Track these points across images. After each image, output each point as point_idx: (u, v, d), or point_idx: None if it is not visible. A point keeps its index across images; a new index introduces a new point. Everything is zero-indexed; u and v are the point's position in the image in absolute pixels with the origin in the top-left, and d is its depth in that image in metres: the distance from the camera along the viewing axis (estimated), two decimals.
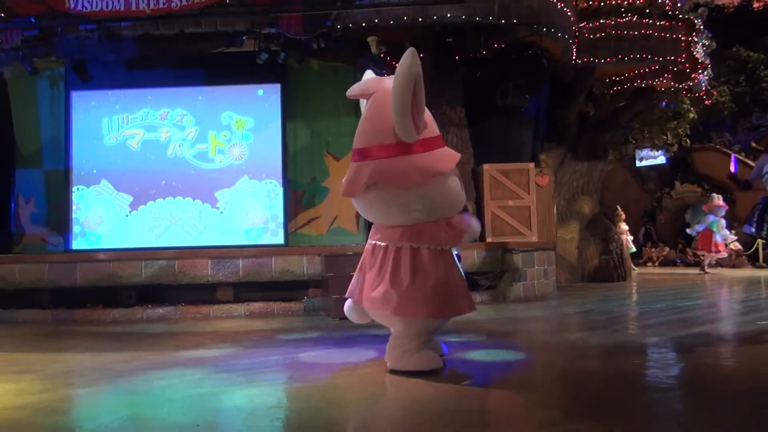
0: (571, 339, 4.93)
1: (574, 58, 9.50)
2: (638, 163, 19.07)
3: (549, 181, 9.61)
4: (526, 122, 9.85)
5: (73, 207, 9.61)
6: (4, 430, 2.60)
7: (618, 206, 14.77)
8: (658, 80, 10.37)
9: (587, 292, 8.81)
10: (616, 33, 9.66)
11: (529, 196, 8.81)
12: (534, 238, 8.64)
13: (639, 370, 3.71)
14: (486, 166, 8.86)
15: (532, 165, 9.15)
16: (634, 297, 8.44)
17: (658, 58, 9.74)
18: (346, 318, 6.05)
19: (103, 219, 9.60)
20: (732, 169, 6.11)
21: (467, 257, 7.52)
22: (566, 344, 4.64)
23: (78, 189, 9.65)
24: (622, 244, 11.28)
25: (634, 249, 15.10)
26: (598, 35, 9.69)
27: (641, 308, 7.06)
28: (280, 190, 9.58)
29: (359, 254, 7.50)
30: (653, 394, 3.05)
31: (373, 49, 8.32)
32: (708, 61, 11.08)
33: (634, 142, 12.63)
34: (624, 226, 14.26)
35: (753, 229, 5.09)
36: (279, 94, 9.73)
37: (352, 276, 6.69)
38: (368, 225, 10.21)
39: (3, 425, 2.67)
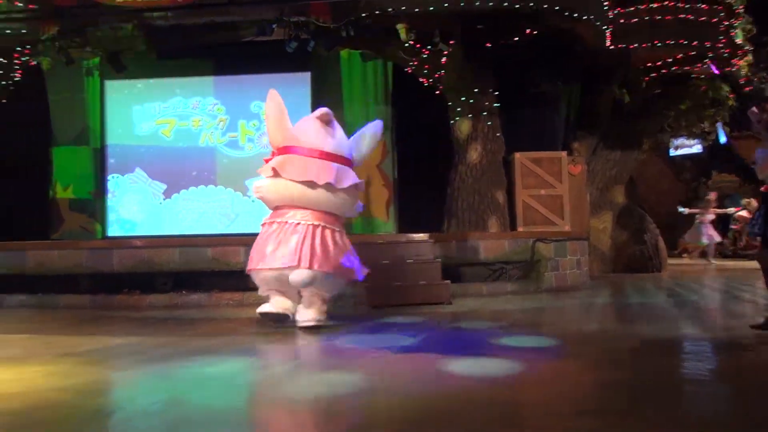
0: (604, 330, 4.87)
1: (608, 44, 9.30)
2: (672, 152, 18.62)
3: (582, 170, 9.47)
4: (558, 110, 9.71)
5: (109, 195, 9.82)
6: (48, 411, 2.68)
7: (711, 193, 13.77)
8: (696, 66, 10.09)
9: (621, 283, 8.69)
10: (651, 18, 9.42)
11: (561, 185, 8.69)
12: (566, 228, 8.53)
13: (674, 361, 3.65)
14: (517, 155, 8.76)
15: (564, 153, 9.02)
16: (669, 288, 8.28)
17: (696, 44, 9.47)
18: (376, 306, 6.09)
19: (138, 206, 9.79)
20: (723, 139, 5.69)
21: (498, 246, 7.49)
22: (599, 335, 4.59)
23: (113, 177, 9.86)
24: (657, 235, 11.06)
25: (717, 240, 13.64)
26: (633, 20, 9.46)
27: (676, 299, 6.94)
28: None
29: (390, 242, 7.53)
30: (688, 387, 3.01)
31: (403, 36, 8.26)
32: (749, 47, 10.74)
33: (669, 130, 12.33)
34: (710, 216, 13.15)
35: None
36: (308, 82, 9.77)
37: (384, 263, 6.74)
38: (399, 214, 10.24)
39: (48, 406, 2.75)
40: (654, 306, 6.36)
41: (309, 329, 4.77)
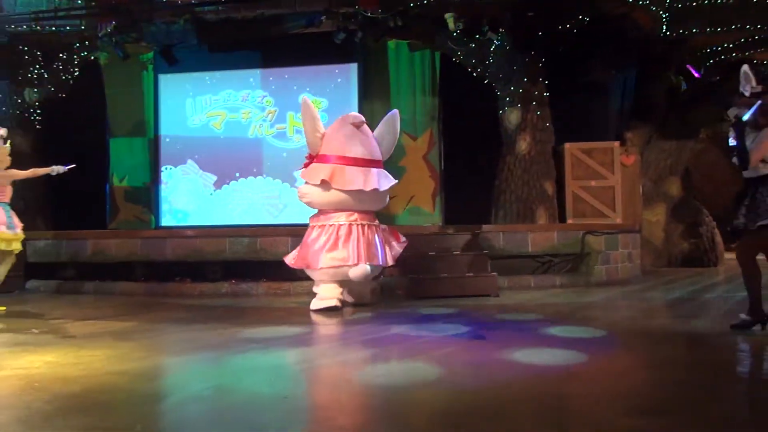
0: (656, 325, 4.73)
1: (664, 29, 8.96)
2: (732, 142, 17.85)
3: (635, 161, 9.19)
4: (611, 99, 9.44)
5: (162, 186, 10.10)
6: (106, 394, 2.79)
7: None
8: (759, 51, 9.61)
9: (674, 277, 8.41)
10: (711, 1, 9.01)
11: (613, 176, 8.47)
12: (618, 220, 8.32)
13: (726, 359, 3.50)
14: (567, 145, 8.57)
15: (617, 144, 8.78)
16: (725, 283, 7.97)
17: (759, 27, 9.01)
18: (422, 297, 6.09)
19: (190, 197, 10.04)
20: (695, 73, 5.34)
21: (547, 239, 7.37)
22: (650, 330, 4.45)
23: (166, 168, 10.13)
24: (713, 228, 10.65)
25: None
26: (691, 4, 9.07)
27: (732, 295, 6.66)
28: None
29: (436, 233, 7.49)
30: (739, 386, 2.90)
31: (451, 26, 8.18)
32: None
33: (728, 118, 11.79)
34: None
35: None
36: (356, 73, 9.78)
37: (430, 255, 6.72)
38: (445, 205, 10.14)
39: (105, 389, 2.86)
40: (709, 301, 6.13)
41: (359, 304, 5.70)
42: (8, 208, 5.90)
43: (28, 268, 7.57)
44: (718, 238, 10.90)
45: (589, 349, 3.71)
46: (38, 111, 9.70)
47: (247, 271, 7.37)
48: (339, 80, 9.91)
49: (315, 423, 2.47)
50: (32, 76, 9.59)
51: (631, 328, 4.62)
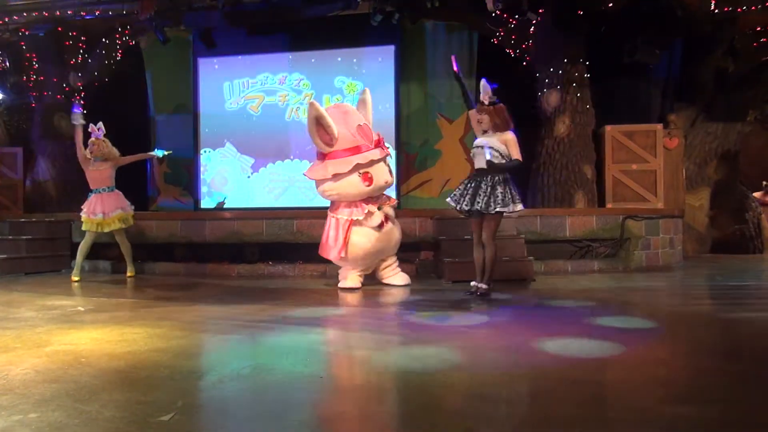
0: (699, 313, 4.62)
1: (712, 7, 8.62)
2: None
3: (678, 144, 8.93)
4: (655, 80, 9.17)
5: (201, 168, 10.27)
6: (149, 370, 2.88)
7: None
8: None
9: (718, 264, 8.19)
10: None
11: (655, 160, 8.25)
12: (659, 205, 8.12)
13: None
14: (608, 128, 8.38)
15: (659, 126, 8.54)
16: None
17: None
18: (457, 281, 6.07)
19: (228, 180, 10.19)
20: (455, 67, 5.71)
21: (585, 223, 7.25)
22: (693, 318, 4.35)
23: (205, 151, 10.29)
24: (760, 213, 10.31)
25: None
26: None
27: None
28: (392, 152, 9.64)
29: (471, 218, 7.40)
30: None
31: (489, 6, 8.03)
32: None
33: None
34: None
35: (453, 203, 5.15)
36: (392, 55, 9.73)
37: (465, 239, 6.69)
38: None
39: (148, 366, 2.95)
40: (755, 288, 5.95)
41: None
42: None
43: (74, 248, 7.82)
44: (765, 224, 10.55)
45: (628, 334, 3.65)
46: (83, 95, 9.94)
47: (283, 253, 7.47)
48: (376, 62, 9.87)
49: (350, 403, 2.51)
50: (77, 60, 9.83)
51: (672, 314, 4.53)
